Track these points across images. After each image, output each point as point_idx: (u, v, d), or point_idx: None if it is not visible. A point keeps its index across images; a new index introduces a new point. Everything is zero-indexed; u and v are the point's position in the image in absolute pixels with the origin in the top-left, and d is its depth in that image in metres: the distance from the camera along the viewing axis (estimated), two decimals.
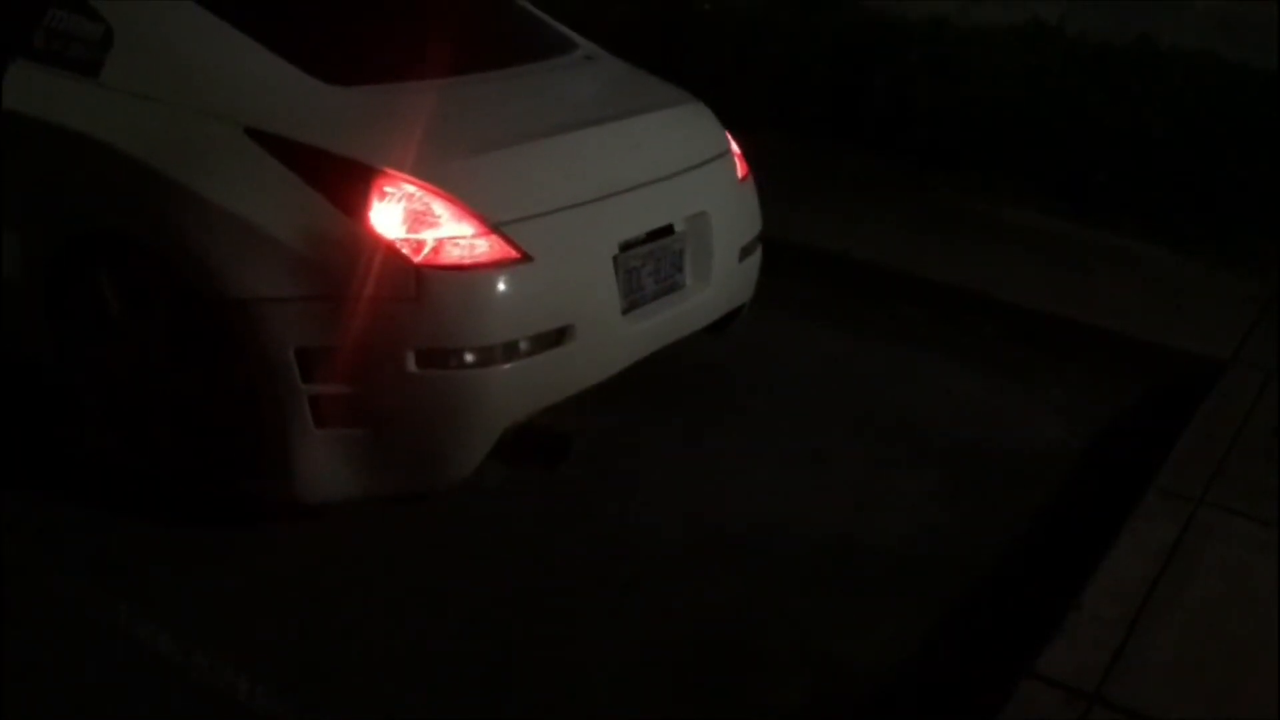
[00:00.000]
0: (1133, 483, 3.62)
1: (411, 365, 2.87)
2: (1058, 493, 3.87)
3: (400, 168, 2.91)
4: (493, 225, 2.94)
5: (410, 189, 2.90)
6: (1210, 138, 6.21)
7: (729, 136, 3.92)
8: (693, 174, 3.59)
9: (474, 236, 2.92)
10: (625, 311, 3.26)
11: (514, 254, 2.95)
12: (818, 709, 2.79)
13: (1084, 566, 3.14)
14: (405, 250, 2.85)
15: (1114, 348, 4.88)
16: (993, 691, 2.67)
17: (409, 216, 2.88)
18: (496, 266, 2.92)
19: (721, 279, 3.65)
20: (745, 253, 3.80)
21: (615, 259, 3.22)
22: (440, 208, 2.90)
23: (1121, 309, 5.14)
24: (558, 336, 3.05)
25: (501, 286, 2.92)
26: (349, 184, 2.88)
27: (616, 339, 3.26)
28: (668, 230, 3.43)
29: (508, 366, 2.96)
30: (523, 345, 2.98)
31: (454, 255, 2.89)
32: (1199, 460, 3.76)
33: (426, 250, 2.87)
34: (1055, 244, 5.92)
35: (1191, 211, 6.27)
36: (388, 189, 2.88)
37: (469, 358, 2.91)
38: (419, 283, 2.84)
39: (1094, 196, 6.48)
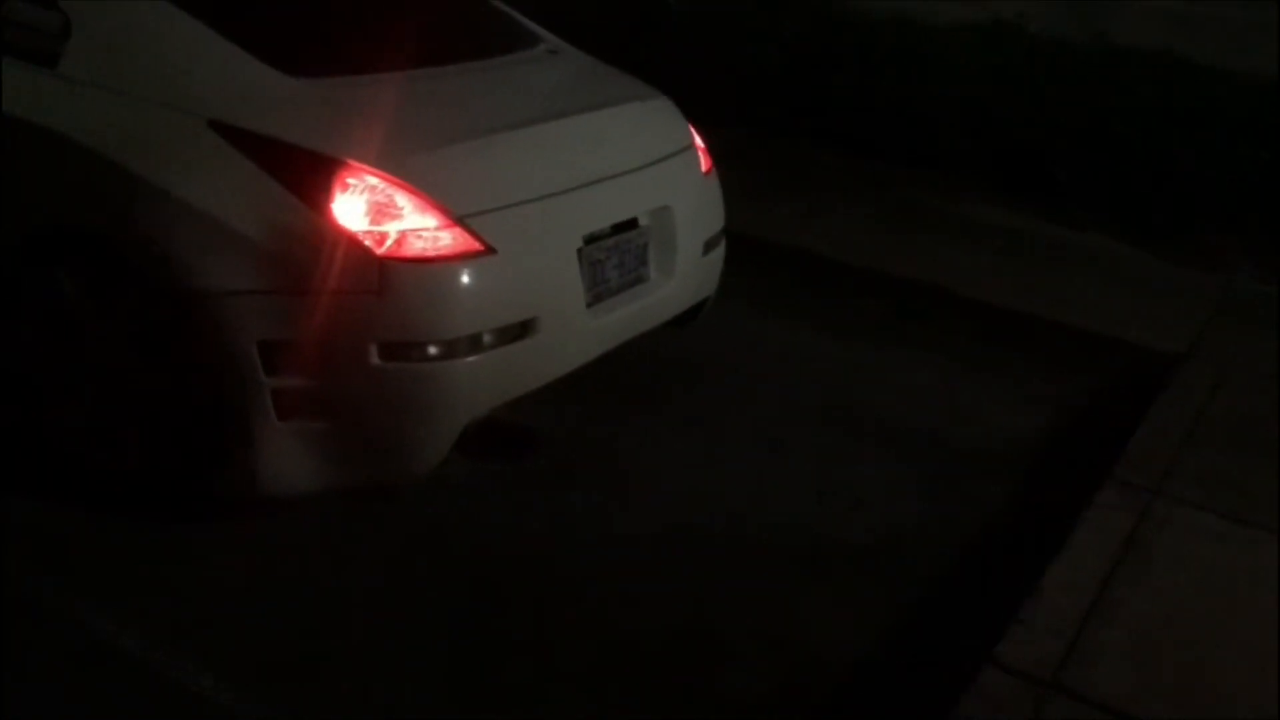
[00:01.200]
0: (1091, 474, 3.67)
1: (374, 358, 2.86)
2: (1017, 484, 3.91)
3: (363, 160, 2.90)
4: (456, 218, 2.94)
5: (373, 181, 2.89)
6: (1168, 135, 6.30)
7: (693, 130, 3.93)
8: (657, 168, 3.60)
9: (437, 229, 2.91)
10: (590, 305, 3.27)
11: (478, 246, 2.94)
12: (784, 697, 2.81)
13: (1043, 556, 3.18)
14: (368, 242, 2.84)
15: (1074, 341, 4.94)
16: (954, 679, 2.70)
17: (372, 208, 2.87)
18: (460, 259, 2.92)
19: (685, 272, 3.67)
20: (709, 246, 3.82)
21: (580, 252, 3.22)
22: (403, 200, 2.90)
23: (1081, 303, 5.20)
24: (522, 329, 3.05)
25: (465, 279, 2.92)
26: (311, 176, 2.87)
27: (581, 332, 3.27)
28: (632, 224, 3.44)
29: (471, 359, 2.95)
30: (486, 338, 2.98)
31: (417, 247, 2.88)
32: (1155, 452, 3.82)
33: (389, 242, 2.86)
34: (1016, 239, 5.99)
35: (1150, 207, 6.36)
36: (350, 181, 2.87)
37: (432, 350, 2.90)
38: (382, 275, 2.83)
39: (1055, 192, 6.56)
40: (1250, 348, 4.87)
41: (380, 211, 2.88)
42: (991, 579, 3.32)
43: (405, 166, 2.94)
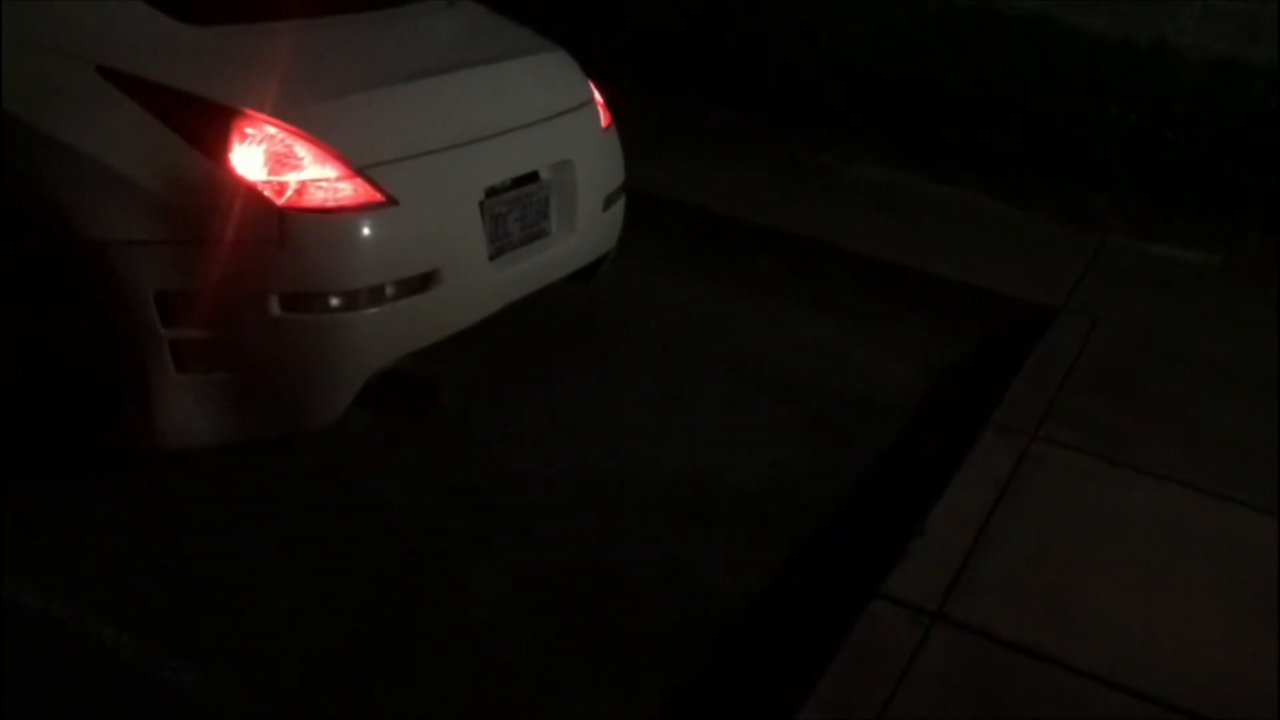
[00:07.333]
0: (971, 420, 3.85)
1: (275, 309, 2.85)
2: (903, 429, 4.08)
3: (261, 109, 2.87)
4: (357, 168, 2.93)
5: (271, 131, 2.86)
6: (1046, 98, 6.53)
7: (592, 86, 3.96)
8: (557, 122, 3.62)
9: (337, 179, 2.90)
10: (492, 257, 3.29)
11: (379, 197, 2.95)
12: (682, 630, 2.91)
13: (927, 496, 3.34)
14: (267, 193, 2.82)
15: (955, 295, 5.14)
16: (844, 612, 2.83)
17: (271, 158, 2.85)
18: (361, 210, 2.92)
19: (586, 227, 3.71)
20: (609, 202, 3.87)
21: (481, 205, 3.24)
22: (303, 150, 2.88)
23: (963, 259, 5.39)
24: (424, 281, 3.07)
25: (366, 230, 2.92)
26: (208, 125, 2.83)
27: (483, 285, 3.29)
28: (533, 177, 3.47)
29: (373, 311, 2.96)
30: (388, 290, 2.98)
31: (318, 198, 2.87)
32: (1032, 398, 4.02)
33: (289, 193, 2.84)
34: (901, 197, 6.17)
35: (1028, 167, 6.60)
36: (248, 130, 2.84)
37: (334, 302, 2.90)
38: (282, 225, 2.82)
39: (938, 152, 6.76)
40: (1120, 301, 5.13)
41: (279, 162, 2.85)
42: (878, 519, 3.47)
43: (304, 116, 2.92)
